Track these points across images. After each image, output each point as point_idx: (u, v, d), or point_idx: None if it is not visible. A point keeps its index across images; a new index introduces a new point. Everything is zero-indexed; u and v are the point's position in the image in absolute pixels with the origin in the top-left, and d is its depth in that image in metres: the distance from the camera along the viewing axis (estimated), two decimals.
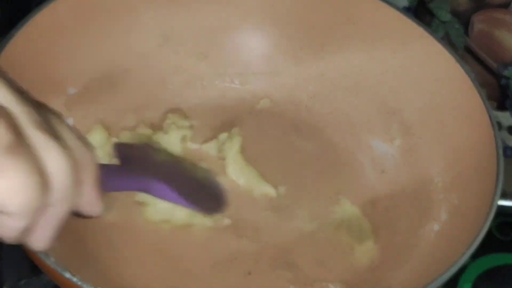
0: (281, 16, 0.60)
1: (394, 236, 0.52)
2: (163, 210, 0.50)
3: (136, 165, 0.45)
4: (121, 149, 0.48)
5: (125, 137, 0.55)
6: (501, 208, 0.46)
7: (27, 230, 0.31)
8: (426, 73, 0.56)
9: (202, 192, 0.49)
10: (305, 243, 0.52)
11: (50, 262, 0.38)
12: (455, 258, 0.43)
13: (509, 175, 0.48)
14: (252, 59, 0.61)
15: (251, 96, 0.60)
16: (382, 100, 0.58)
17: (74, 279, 0.38)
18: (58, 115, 0.33)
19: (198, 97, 0.59)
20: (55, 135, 0.31)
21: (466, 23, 0.70)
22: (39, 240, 0.33)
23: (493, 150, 0.48)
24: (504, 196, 0.47)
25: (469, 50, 0.70)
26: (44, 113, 0.32)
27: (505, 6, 0.68)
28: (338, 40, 0.59)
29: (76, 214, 0.35)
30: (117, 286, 0.47)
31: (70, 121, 0.52)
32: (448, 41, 0.63)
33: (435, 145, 0.55)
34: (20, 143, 0.29)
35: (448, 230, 0.50)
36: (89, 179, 0.34)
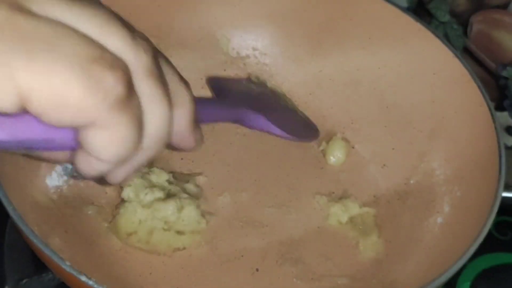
0: (279, 13, 0.60)
1: (398, 230, 0.52)
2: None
3: (230, 97, 0.46)
4: (216, 82, 0.49)
5: None
6: (505, 200, 0.46)
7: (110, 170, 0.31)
8: (424, 67, 0.56)
9: (295, 122, 0.50)
10: (310, 239, 0.52)
11: (66, 266, 0.38)
12: (461, 251, 0.43)
13: (511, 167, 0.48)
14: (250, 57, 0.61)
15: None
16: (381, 95, 0.58)
17: (90, 282, 0.38)
18: (162, 55, 0.33)
19: (198, 95, 0.59)
20: (162, 82, 0.31)
21: (465, 24, 0.70)
22: (117, 177, 0.33)
23: (494, 142, 0.49)
24: (507, 188, 0.47)
25: (467, 51, 0.70)
26: (153, 56, 0.31)
27: (503, 6, 0.68)
28: (336, 36, 0.59)
29: (171, 148, 0.35)
30: (124, 286, 0.47)
31: None
32: (447, 42, 0.63)
33: (436, 138, 0.55)
34: (130, 98, 0.29)
35: (452, 223, 0.50)
36: (185, 117, 0.33)
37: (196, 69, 0.59)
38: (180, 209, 0.49)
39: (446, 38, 0.69)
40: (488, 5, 0.69)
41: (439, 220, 0.51)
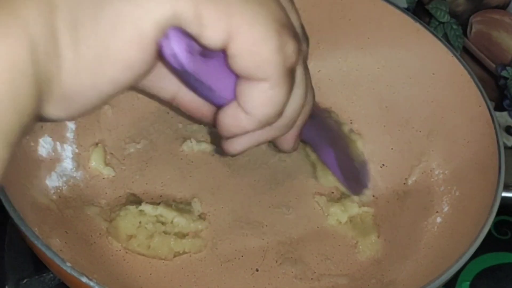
0: None
1: (397, 230, 0.52)
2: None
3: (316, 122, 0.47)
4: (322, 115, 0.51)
5: None
6: (504, 200, 0.47)
7: (239, 134, 0.35)
8: (423, 68, 0.56)
9: (353, 171, 0.52)
10: (310, 238, 0.52)
11: (67, 267, 0.39)
12: (460, 251, 0.43)
13: (510, 167, 0.48)
14: None
15: None
16: (380, 95, 0.58)
17: (91, 283, 0.38)
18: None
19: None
20: (308, 74, 0.36)
21: (464, 24, 0.70)
22: (238, 146, 0.37)
23: (493, 142, 0.49)
24: (507, 188, 0.47)
25: (467, 51, 0.70)
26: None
27: (503, 7, 0.68)
28: (335, 37, 0.59)
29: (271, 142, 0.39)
30: (125, 287, 0.47)
31: None
32: (446, 42, 0.63)
33: (435, 138, 0.55)
34: (295, 71, 0.33)
35: (452, 223, 0.50)
36: (300, 122, 0.38)
37: None
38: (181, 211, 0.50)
39: (446, 38, 0.69)
40: (487, 5, 0.69)
41: (438, 220, 0.51)
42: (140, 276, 0.48)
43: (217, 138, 0.36)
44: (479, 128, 0.51)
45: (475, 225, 0.45)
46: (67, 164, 0.52)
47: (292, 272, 0.50)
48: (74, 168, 0.52)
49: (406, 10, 0.58)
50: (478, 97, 0.52)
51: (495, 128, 0.50)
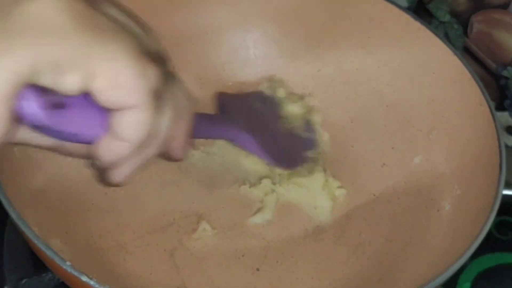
0: (278, 12, 0.60)
1: (398, 229, 0.52)
2: None
3: (229, 114, 0.47)
4: (221, 98, 0.52)
5: None
6: (505, 198, 0.47)
7: (119, 162, 0.35)
8: (424, 66, 0.56)
9: (284, 148, 0.51)
10: (310, 237, 0.52)
11: (67, 266, 0.38)
12: (461, 249, 0.43)
13: (511, 165, 0.48)
14: (249, 57, 0.61)
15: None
16: (380, 94, 0.58)
17: (92, 282, 0.38)
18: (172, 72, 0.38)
19: (197, 95, 0.59)
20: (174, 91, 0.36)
21: (465, 24, 0.70)
22: (121, 174, 0.36)
23: (494, 140, 0.49)
24: (508, 185, 0.47)
25: (468, 51, 0.70)
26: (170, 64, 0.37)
27: (504, 6, 0.68)
28: (335, 36, 0.59)
29: (162, 156, 0.39)
30: (125, 287, 0.47)
31: None
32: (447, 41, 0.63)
33: (435, 136, 0.55)
34: (161, 92, 0.34)
35: (453, 221, 0.50)
36: (183, 127, 0.38)
37: (195, 70, 0.59)
38: None
39: (447, 38, 0.69)
40: (488, 5, 0.69)
41: (440, 218, 0.51)
42: (140, 276, 0.48)
43: (99, 170, 0.36)
44: (480, 126, 0.51)
45: (476, 223, 0.45)
46: (67, 164, 0.51)
47: (292, 271, 0.50)
48: (74, 168, 0.52)
49: (407, 10, 0.58)
50: (478, 95, 0.52)
51: (495, 126, 0.50)
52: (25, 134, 0.34)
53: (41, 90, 0.31)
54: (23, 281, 0.50)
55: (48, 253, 0.39)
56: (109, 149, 0.34)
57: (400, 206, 0.54)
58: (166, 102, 0.35)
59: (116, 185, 0.37)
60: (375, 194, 0.55)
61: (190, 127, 0.39)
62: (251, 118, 0.51)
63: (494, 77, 0.69)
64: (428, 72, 0.55)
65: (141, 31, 0.35)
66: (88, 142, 0.35)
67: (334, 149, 0.57)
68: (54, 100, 0.32)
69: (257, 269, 0.50)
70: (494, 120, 0.50)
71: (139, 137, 0.34)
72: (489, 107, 0.51)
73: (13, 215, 0.40)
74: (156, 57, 0.34)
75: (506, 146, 0.49)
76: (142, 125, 0.33)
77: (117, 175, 0.36)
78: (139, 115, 0.33)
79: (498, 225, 0.59)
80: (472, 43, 0.70)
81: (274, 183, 0.53)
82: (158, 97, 0.34)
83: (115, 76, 0.32)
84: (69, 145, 0.37)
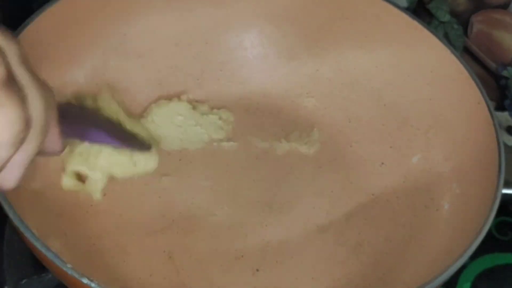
0: (275, 12, 0.60)
1: (398, 228, 0.52)
2: None
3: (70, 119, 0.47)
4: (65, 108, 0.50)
5: None
6: (505, 197, 0.47)
7: (1, 166, 0.33)
8: (422, 65, 0.56)
9: (131, 139, 0.50)
10: (310, 238, 0.52)
11: (67, 268, 0.39)
12: (461, 249, 0.43)
13: (510, 164, 0.48)
14: (247, 57, 0.61)
15: (247, 93, 0.60)
16: (378, 93, 0.58)
17: (92, 284, 0.38)
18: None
19: (195, 95, 0.59)
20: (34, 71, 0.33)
21: (465, 24, 0.70)
22: (8, 179, 0.34)
23: (493, 139, 0.49)
24: (507, 184, 0.47)
25: (468, 51, 0.70)
26: (21, 45, 0.33)
27: (504, 6, 0.68)
28: (333, 36, 0.59)
29: (40, 154, 0.36)
30: (124, 287, 0.47)
31: None
32: (447, 41, 0.63)
33: (434, 136, 0.55)
34: (13, 79, 0.31)
35: (452, 221, 0.50)
36: (53, 117, 0.36)
37: (194, 69, 0.59)
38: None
39: (446, 38, 0.69)
40: (488, 5, 0.69)
41: (439, 218, 0.51)
42: (140, 277, 0.48)
43: None
44: (479, 125, 0.51)
45: (476, 222, 0.45)
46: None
47: (292, 271, 0.50)
48: None
49: (406, 10, 0.58)
50: (477, 94, 0.52)
51: (494, 125, 0.50)
52: None
53: None
54: (23, 281, 0.50)
55: (48, 255, 0.39)
56: None
57: (399, 206, 0.54)
58: (30, 84, 0.32)
59: (7, 189, 0.35)
60: (374, 194, 0.55)
61: (57, 119, 0.36)
62: (94, 121, 0.50)
63: (494, 77, 0.69)
64: (426, 71, 0.56)
65: None
66: None
67: (333, 148, 0.57)
68: None
69: (257, 270, 0.50)
70: (493, 119, 0.50)
71: (11, 135, 0.31)
72: (487, 105, 0.51)
73: (13, 217, 0.40)
74: None
75: (506, 146, 0.49)
76: (7, 121, 0.31)
77: (6, 179, 0.34)
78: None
79: (498, 225, 0.59)
80: (472, 43, 0.70)
81: None
82: (11, 88, 0.31)
83: None
84: None
